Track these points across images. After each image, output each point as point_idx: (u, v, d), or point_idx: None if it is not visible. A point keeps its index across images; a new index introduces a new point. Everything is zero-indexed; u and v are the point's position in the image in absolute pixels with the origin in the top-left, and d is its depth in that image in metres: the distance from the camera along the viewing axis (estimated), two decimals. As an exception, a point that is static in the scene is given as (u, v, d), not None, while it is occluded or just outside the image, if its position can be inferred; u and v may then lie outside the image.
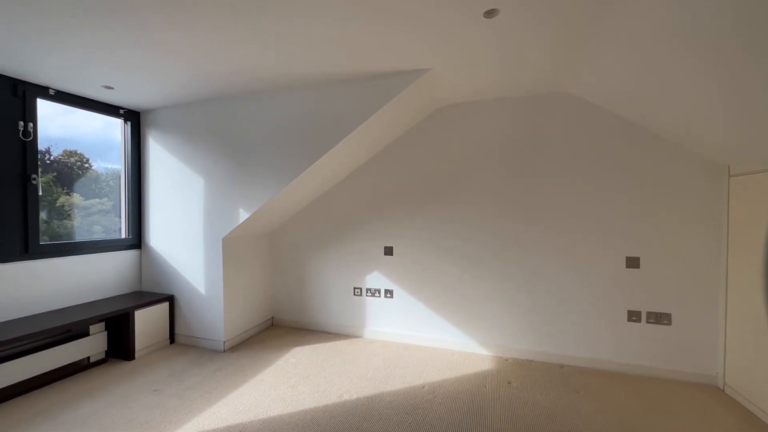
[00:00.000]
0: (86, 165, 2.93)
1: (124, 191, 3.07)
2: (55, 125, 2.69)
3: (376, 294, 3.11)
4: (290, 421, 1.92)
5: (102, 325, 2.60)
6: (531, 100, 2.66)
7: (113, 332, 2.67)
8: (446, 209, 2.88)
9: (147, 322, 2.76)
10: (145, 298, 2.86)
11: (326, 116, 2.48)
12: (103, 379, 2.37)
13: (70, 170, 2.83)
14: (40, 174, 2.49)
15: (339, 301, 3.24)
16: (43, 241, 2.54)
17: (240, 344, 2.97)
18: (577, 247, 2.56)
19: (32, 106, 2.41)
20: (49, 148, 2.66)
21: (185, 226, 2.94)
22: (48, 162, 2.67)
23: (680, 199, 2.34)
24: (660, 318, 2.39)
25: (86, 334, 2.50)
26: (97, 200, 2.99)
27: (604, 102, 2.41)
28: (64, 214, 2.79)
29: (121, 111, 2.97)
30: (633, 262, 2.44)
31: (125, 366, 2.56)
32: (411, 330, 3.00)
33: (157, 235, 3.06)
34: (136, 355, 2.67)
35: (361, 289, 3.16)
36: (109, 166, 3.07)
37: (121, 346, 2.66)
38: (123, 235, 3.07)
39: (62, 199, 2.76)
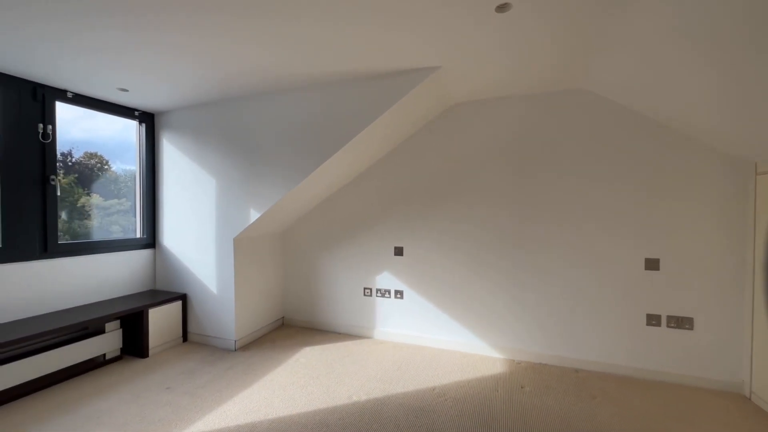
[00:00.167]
0: (106, 166, 3.00)
1: (138, 191, 3.13)
2: (78, 128, 2.78)
3: (386, 294, 3.09)
4: (299, 422, 1.92)
5: (117, 323, 2.66)
6: (543, 96, 2.59)
7: (128, 330, 2.72)
8: (457, 209, 2.83)
9: (160, 320, 2.80)
10: (159, 296, 2.90)
11: (336, 116, 2.48)
12: (118, 376, 2.42)
13: (91, 172, 2.91)
14: (62, 175, 2.56)
15: (349, 302, 3.23)
16: (65, 240, 2.62)
17: (251, 343, 2.99)
18: (593, 248, 2.48)
19: (51, 109, 2.48)
20: (71, 150, 2.74)
21: (197, 225, 2.97)
22: (70, 164, 2.75)
23: (703, 198, 2.24)
24: (681, 322, 2.29)
25: (102, 331, 2.56)
26: (116, 200, 3.06)
27: (620, 97, 2.33)
28: (85, 214, 2.86)
29: (136, 113, 3.02)
30: (652, 264, 2.34)
31: (139, 363, 2.60)
32: (421, 331, 2.97)
33: (170, 235, 3.11)
34: (150, 352, 2.72)
35: (371, 289, 3.14)
36: (128, 167, 3.14)
37: (135, 343, 2.71)
38: (138, 235, 3.13)
39: (83, 200, 2.84)
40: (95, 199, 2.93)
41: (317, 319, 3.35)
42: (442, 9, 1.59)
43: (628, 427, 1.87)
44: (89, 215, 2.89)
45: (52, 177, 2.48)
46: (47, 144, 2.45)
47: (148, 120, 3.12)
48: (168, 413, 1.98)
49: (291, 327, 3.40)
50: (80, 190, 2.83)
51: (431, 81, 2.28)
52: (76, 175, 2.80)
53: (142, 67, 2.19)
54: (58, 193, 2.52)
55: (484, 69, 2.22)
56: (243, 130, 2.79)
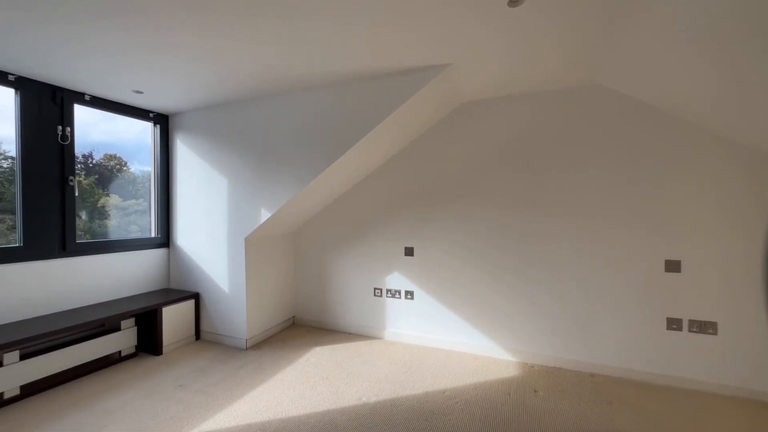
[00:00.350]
0: (124, 168, 3.08)
1: (153, 191, 3.19)
2: (98, 131, 2.87)
3: (397, 295, 3.06)
4: (308, 422, 1.92)
5: (132, 320, 2.71)
6: (557, 93, 2.53)
7: (143, 328, 2.77)
8: (469, 209, 2.79)
9: (174, 318, 2.85)
10: (173, 295, 2.95)
11: (347, 114, 2.47)
12: (133, 372, 2.47)
13: (110, 173, 2.98)
14: (83, 177, 2.63)
15: (359, 302, 3.22)
16: (85, 239, 2.69)
17: (262, 342, 3.01)
18: (610, 249, 2.41)
19: (69, 111, 2.54)
20: (91, 152, 2.82)
21: (210, 225, 3.01)
22: (90, 165, 2.83)
23: (727, 197, 2.15)
24: (704, 327, 2.20)
25: (118, 329, 2.61)
26: (134, 201, 3.13)
27: (638, 92, 2.25)
28: (104, 214, 2.94)
29: (151, 115, 3.08)
30: (673, 266, 2.26)
31: (153, 360, 2.65)
32: (432, 332, 2.94)
33: (184, 234, 3.16)
34: (164, 350, 2.76)
35: (381, 289, 3.13)
36: (146, 168, 3.21)
37: (150, 341, 2.75)
38: (152, 234, 3.19)
39: (102, 200, 2.92)
40: (114, 199, 3.00)
41: (328, 319, 3.35)
42: (453, 6, 1.57)
43: (647, 435, 1.81)
44: (109, 215, 2.97)
45: (71, 178, 2.54)
46: (66, 146, 2.51)
47: (163, 121, 3.17)
48: (180, 411, 2.01)
49: (301, 326, 3.42)
50: (100, 191, 2.90)
51: (442, 79, 2.25)
52: (97, 177, 2.88)
53: (155, 69, 2.23)
54: (76, 194, 2.59)
55: (495, 65, 2.18)
56: (254, 130, 2.82)
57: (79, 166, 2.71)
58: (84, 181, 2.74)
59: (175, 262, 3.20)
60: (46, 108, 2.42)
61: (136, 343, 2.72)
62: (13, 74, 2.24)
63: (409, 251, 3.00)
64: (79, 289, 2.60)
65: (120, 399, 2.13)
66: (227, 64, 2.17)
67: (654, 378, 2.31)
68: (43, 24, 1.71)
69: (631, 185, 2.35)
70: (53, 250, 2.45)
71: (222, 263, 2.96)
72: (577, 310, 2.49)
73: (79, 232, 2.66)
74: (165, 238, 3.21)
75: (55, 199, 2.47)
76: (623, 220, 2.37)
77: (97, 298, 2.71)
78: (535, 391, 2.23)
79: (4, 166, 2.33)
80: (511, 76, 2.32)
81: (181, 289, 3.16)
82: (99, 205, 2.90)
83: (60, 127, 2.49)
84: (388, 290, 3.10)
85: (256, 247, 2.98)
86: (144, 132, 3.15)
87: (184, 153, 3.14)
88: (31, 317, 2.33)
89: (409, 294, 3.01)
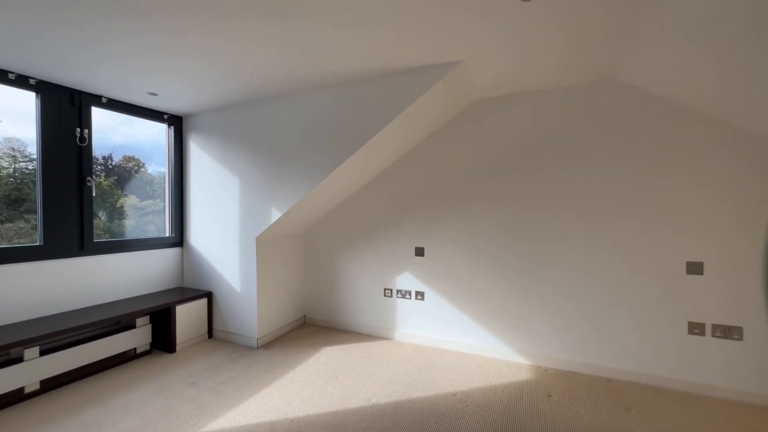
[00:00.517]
0: (142, 169, 3.15)
1: (168, 192, 3.25)
2: (118, 133, 2.94)
3: (407, 295, 3.04)
4: (318, 423, 1.91)
5: (147, 318, 2.76)
6: (571, 89, 2.46)
7: (157, 325, 2.82)
8: (481, 209, 2.74)
9: (187, 317, 2.89)
10: (186, 294, 3.00)
11: (357, 113, 2.46)
12: (147, 369, 2.51)
13: (129, 174, 3.05)
14: (103, 177, 2.70)
15: (369, 302, 3.20)
16: (103, 238, 2.76)
17: (273, 341, 3.03)
18: (628, 250, 2.32)
19: (87, 113, 2.61)
20: (111, 154, 2.90)
21: (222, 225, 3.05)
22: (110, 167, 2.90)
23: (752, 197, 2.05)
24: (729, 332, 2.11)
25: (133, 326, 2.67)
26: (151, 201, 3.20)
27: (660, 89, 2.17)
28: (123, 214, 3.01)
29: (165, 116, 3.14)
30: (695, 268, 2.17)
31: (167, 358, 2.69)
32: (443, 333, 2.90)
33: (197, 234, 3.20)
34: (177, 348, 2.80)
35: (391, 290, 3.10)
36: (162, 169, 3.27)
37: (164, 338, 2.80)
38: (167, 234, 3.25)
39: (121, 201, 2.99)
40: (132, 199, 3.07)
41: (338, 319, 3.35)
42: (466, 1, 1.53)
43: (667, 444, 1.74)
44: (126, 215, 3.04)
45: (89, 178, 2.61)
46: (84, 147, 2.58)
47: (177, 123, 3.23)
48: (191, 408, 2.03)
49: (312, 326, 3.42)
50: (119, 192, 2.98)
51: (453, 76, 2.21)
52: (116, 177, 2.95)
53: (169, 71, 2.26)
54: (94, 194, 2.65)
55: (507, 62, 2.13)
56: (265, 130, 2.83)
57: (99, 167, 2.78)
58: (104, 182, 2.82)
59: (189, 262, 3.25)
60: (65, 110, 2.49)
61: (150, 341, 2.77)
62: (34, 78, 2.31)
63: (419, 251, 2.97)
64: (96, 287, 2.66)
65: (134, 395, 2.17)
66: (239, 65, 2.18)
67: (674, 384, 2.22)
68: (61, 28, 1.75)
69: (651, 184, 2.27)
70: (72, 249, 2.52)
71: (234, 263, 2.99)
72: (593, 313, 2.42)
73: (98, 232, 2.73)
74: (179, 238, 3.26)
75: (73, 200, 2.53)
76: (643, 220, 2.29)
77: (113, 296, 2.77)
78: (549, 396, 2.17)
79: (30, 168, 2.40)
80: (524, 72, 2.27)
81: (195, 287, 3.21)
82: (118, 205, 2.98)
83: (78, 129, 2.55)
84: (398, 291, 3.08)
85: (267, 247, 3.00)
86: (160, 134, 3.22)
87: (197, 153, 3.19)
88: (50, 314, 2.40)
89: (420, 294, 2.98)
